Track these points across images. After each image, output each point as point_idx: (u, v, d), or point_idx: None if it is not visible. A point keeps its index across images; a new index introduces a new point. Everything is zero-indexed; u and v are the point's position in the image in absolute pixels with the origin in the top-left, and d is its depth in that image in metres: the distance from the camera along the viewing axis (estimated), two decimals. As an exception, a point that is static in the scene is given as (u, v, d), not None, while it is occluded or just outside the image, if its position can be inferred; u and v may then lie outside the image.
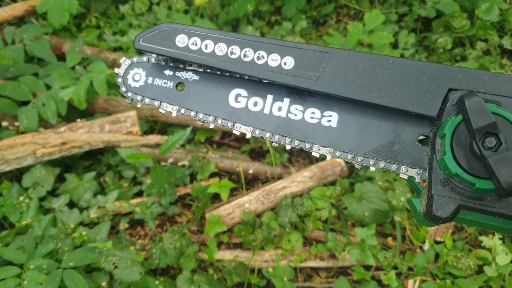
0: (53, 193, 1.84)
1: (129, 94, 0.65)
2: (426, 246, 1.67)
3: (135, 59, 0.66)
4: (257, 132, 0.60)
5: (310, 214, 1.70)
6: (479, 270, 1.61)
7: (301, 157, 2.12)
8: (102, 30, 2.67)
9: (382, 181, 1.74)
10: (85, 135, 1.82)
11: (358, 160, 0.56)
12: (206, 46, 0.58)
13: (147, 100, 0.65)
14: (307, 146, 0.58)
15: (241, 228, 1.68)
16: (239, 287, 1.63)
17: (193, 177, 1.98)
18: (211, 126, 0.62)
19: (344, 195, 1.73)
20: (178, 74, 0.63)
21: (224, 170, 1.98)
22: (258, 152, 2.16)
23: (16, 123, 1.95)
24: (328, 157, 0.57)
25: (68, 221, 1.71)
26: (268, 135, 0.59)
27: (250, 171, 1.96)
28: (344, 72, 0.54)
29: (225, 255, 1.69)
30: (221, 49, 0.57)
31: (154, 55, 0.64)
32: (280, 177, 1.93)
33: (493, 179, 0.43)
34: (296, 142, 0.58)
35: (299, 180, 1.82)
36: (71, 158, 1.94)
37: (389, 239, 1.75)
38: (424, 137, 0.56)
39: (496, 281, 1.55)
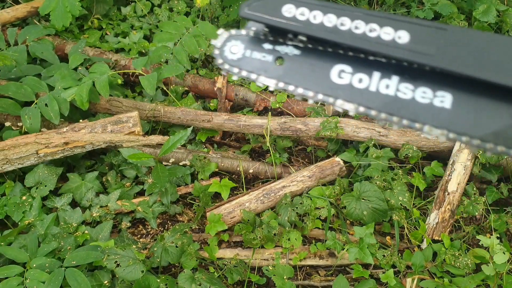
0: (55, 192, 1.85)
1: (226, 66, 0.64)
2: (424, 245, 1.69)
3: (233, 31, 0.65)
4: (361, 109, 0.57)
5: (310, 213, 1.72)
6: (477, 269, 1.62)
7: (300, 157, 2.14)
8: (104, 31, 2.70)
9: (381, 181, 1.76)
10: (87, 135, 1.84)
11: (474, 143, 0.52)
12: (314, 17, 0.56)
13: (244, 73, 0.63)
14: (417, 125, 0.54)
15: (242, 227, 1.70)
16: (239, 285, 1.65)
17: (194, 177, 2.00)
18: (310, 101, 0.60)
19: (343, 195, 1.75)
20: (278, 48, 0.62)
21: (224, 169, 2.00)
22: (258, 152, 2.18)
23: (19, 123, 1.97)
24: (442, 138, 0.54)
25: (71, 220, 1.72)
26: (373, 113, 0.56)
27: (250, 171, 1.98)
28: (462, 49, 0.52)
29: (226, 253, 1.71)
30: (330, 20, 0.55)
31: (253, 28, 0.63)
32: (280, 177, 1.95)
33: None
34: (405, 122, 0.55)
35: (298, 179, 1.84)
36: (74, 158, 1.95)
37: (388, 238, 1.76)
38: None
39: (494, 279, 1.56)
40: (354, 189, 1.74)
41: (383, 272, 1.62)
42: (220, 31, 0.66)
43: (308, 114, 2.16)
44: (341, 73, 0.58)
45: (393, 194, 1.72)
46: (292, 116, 2.14)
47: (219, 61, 0.65)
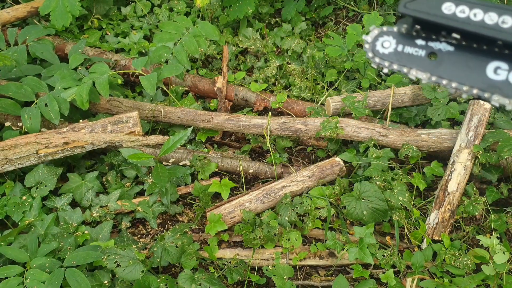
0: (55, 192, 1.85)
1: (376, 59, 0.67)
2: (424, 245, 1.69)
3: (384, 28, 0.68)
4: None
5: (310, 213, 1.72)
6: (477, 269, 1.62)
7: (300, 157, 2.14)
8: (104, 31, 2.70)
9: (381, 181, 1.76)
10: (87, 135, 1.84)
11: None
12: (475, 15, 0.57)
13: (395, 66, 0.66)
14: None
15: (242, 227, 1.70)
16: (239, 285, 1.65)
17: (194, 177, 2.00)
18: (464, 96, 0.62)
19: (343, 195, 1.75)
20: (431, 44, 0.64)
21: (224, 169, 2.00)
22: (258, 152, 2.18)
23: (19, 124, 1.97)
24: None
25: (71, 220, 1.72)
26: None
27: (250, 171, 1.98)
28: None
29: (226, 253, 1.71)
30: (491, 18, 0.56)
31: (405, 25, 0.65)
32: (280, 177, 1.95)
33: None
34: None
35: (298, 179, 1.84)
36: (74, 158, 1.95)
37: (388, 238, 1.76)
38: None
39: (494, 279, 1.56)
40: (354, 189, 1.74)
41: (383, 272, 1.62)
42: (372, 27, 0.68)
43: (308, 114, 2.16)
44: (497, 70, 0.59)
45: (393, 194, 1.72)
46: (292, 116, 2.14)
47: (370, 54, 0.67)
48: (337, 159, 1.91)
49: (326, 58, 2.41)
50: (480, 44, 0.61)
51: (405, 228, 1.74)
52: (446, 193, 1.75)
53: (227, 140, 2.24)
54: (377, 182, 1.75)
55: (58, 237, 1.60)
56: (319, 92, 2.33)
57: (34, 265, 1.47)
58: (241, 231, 1.70)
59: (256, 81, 2.40)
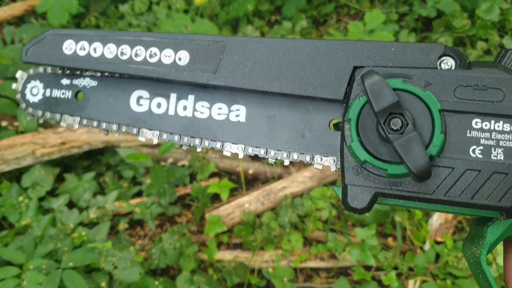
0: (52, 193, 1.83)
1: (30, 109, 0.60)
2: (427, 247, 1.67)
3: (31, 71, 0.61)
4: (164, 136, 0.55)
5: (310, 214, 1.70)
6: (480, 271, 1.60)
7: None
8: (101, 29, 2.67)
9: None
10: (84, 135, 1.82)
11: (271, 154, 0.52)
12: (95, 50, 0.53)
13: (48, 115, 0.60)
14: (217, 145, 0.54)
15: (241, 228, 1.68)
16: (239, 288, 1.63)
17: (192, 177, 1.97)
18: (116, 135, 0.58)
19: (344, 195, 1.72)
20: (76, 82, 0.59)
21: (224, 170, 1.97)
22: (258, 152, 2.16)
23: (16, 123, 1.95)
24: (241, 154, 0.53)
25: (68, 221, 1.70)
26: (176, 138, 0.55)
27: (250, 171, 1.96)
28: (242, 61, 0.50)
29: (225, 255, 1.68)
30: (110, 51, 0.53)
31: (49, 65, 0.60)
32: (280, 177, 1.93)
33: (403, 163, 0.40)
34: (206, 143, 0.54)
35: (299, 180, 1.82)
36: (71, 158, 1.93)
37: (390, 240, 1.74)
38: (338, 122, 0.52)
39: (497, 281, 1.54)
40: (355, 189, 1.72)
41: (385, 274, 1.60)
42: (19, 73, 0.61)
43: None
44: (139, 100, 0.56)
45: (395, 195, 1.70)
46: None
47: (22, 105, 0.61)
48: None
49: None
50: (120, 74, 0.56)
51: (407, 230, 1.72)
52: (449, 194, 1.73)
53: (226, 139, 2.22)
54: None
55: (55, 239, 1.58)
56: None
57: (31, 267, 1.45)
58: (240, 232, 1.68)
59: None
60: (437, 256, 1.64)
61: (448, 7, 2.24)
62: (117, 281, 1.47)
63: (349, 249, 1.60)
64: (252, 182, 2.01)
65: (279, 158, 0.52)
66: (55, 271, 1.41)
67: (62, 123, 0.59)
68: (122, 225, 1.78)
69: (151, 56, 0.52)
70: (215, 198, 1.90)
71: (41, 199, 1.79)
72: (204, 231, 1.71)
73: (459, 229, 1.79)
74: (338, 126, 0.52)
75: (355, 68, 0.47)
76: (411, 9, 2.50)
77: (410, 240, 1.73)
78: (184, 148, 0.56)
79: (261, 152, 0.53)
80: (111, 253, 1.46)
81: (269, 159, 0.53)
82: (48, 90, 0.60)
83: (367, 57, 0.47)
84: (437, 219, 1.70)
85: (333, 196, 1.76)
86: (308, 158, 0.51)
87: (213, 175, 1.96)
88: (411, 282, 1.54)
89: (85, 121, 0.58)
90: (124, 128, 0.57)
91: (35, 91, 0.60)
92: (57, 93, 0.59)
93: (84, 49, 0.54)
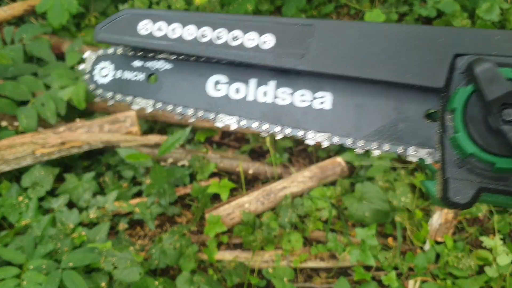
0: (52, 193, 1.83)
1: (99, 91, 0.59)
2: (427, 247, 1.67)
3: (100, 52, 0.60)
4: (243, 122, 0.53)
5: (310, 215, 1.70)
6: (480, 271, 1.60)
7: (301, 157, 2.12)
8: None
9: (383, 181, 1.74)
10: (84, 135, 1.82)
11: (359, 144, 0.50)
12: (173, 31, 0.51)
13: (119, 97, 0.58)
14: (300, 133, 0.51)
15: (241, 229, 1.68)
16: (239, 288, 1.63)
17: (192, 177, 1.97)
18: (191, 120, 0.56)
19: (344, 195, 1.72)
20: (148, 64, 0.57)
21: (224, 170, 1.97)
22: (258, 152, 2.15)
23: (15, 123, 1.94)
24: (325, 143, 0.51)
25: (68, 221, 1.70)
26: (255, 125, 0.53)
27: (250, 171, 1.96)
28: (332, 46, 0.47)
29: (225, 255, 1.68)
30: (190, 32, 0.51)
31: (121, 46, 0.58)
32: (280, 177, 1.93)
33: None
34: (288, 130, 0.51)
35: (299, 180, 1.82)
36: (71, 158, 1.93)
37: (390, 240, 1.74)
38: (432, 112, 0.50)
39: (497, 281, 1.54)
40: (355, 190, 1.72)
41: (385, 274, 1.60)
42: (87, 53, 0.60)
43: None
44: (217, 85, 0.54)
45: (396, 195, 1.69)
46: (293, 116, 2.12)
47: (91, 86, 0.59)
48: (339, 159, 1.88)
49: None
50: (197, 57, 0.54)
51: (408, 230, 1.72)
52: (449, 194, 1.73)
53: (226, 140, 2.22)
54: (379, 182, 1.72)
55: (55, 239, 1.58)
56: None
57: (31, 267, 1.45)
58: (240, 232, 1.68)
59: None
60: (437, 256, 1.64)
61: (448, 7, 2.24)
62: (117, 281, 1.47)
63: (349, 249, 1.60)
64: (252, 182, 2.00)
65: (367, 148, 0.50)
66: (55, 271, 1.41)
67: (133, 106, 0.57)
68: (122, 225, 1.78)
69: (234, 39, 0.50)
70: (215, 198, 1.90)
71: (41, 199, 1.78)
72: (204, 231, 1.71)
73: (459, 229, 1.79)
74: (431, 117, 0.49)
75: (456, 55, 0.44)
76: (411, 9, 2.49)
77: (410, 240, 1.73)
78: (263, 135, 0.53)
79: (348, 142, 0.50)
80: (111, 253, 1.46)
81: (358, 149, 0.50)
82: (119, 72, 0.58)
83: (469, 45, 0.44)
84: (437, 219, 1.70)
85: (333, 196, 1.76)
86: (401, 150, 0.49)
87: (213, 175, 1.96)
88: (411, 282, 1.54)
89: (159, 105, 0.56)
90: (200, 113, 0.55)
91: (105, 72, 0.59)
92: (128, 75, 0.58)
93: (161, 29, 0.52)
